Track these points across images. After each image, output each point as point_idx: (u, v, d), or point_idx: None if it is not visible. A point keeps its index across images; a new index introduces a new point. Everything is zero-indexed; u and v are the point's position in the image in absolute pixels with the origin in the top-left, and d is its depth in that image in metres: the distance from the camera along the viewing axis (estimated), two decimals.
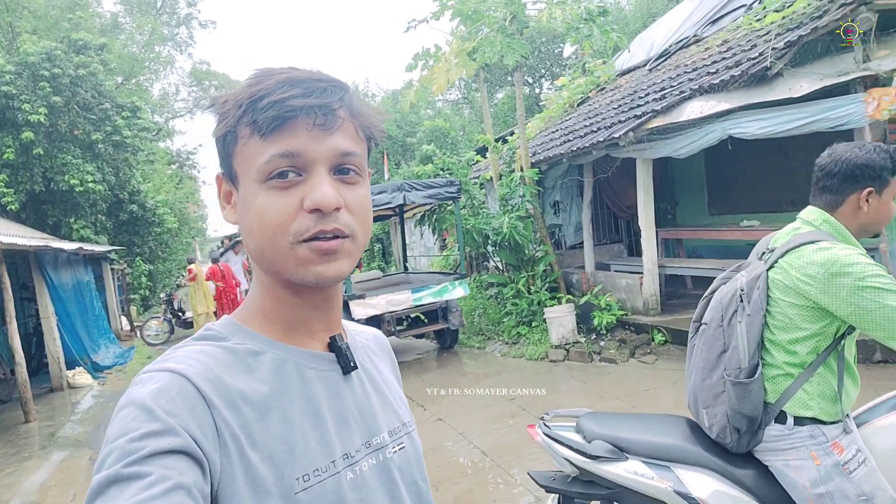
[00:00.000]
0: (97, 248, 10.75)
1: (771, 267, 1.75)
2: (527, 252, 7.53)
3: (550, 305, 6.98)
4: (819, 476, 1.65)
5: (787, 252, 1.71)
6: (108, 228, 13.21)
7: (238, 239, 15.26)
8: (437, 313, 7.32)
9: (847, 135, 5.15)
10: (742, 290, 1.77)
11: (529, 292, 7.37)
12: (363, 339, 0.89)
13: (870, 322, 1.56)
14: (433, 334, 8.06)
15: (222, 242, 17.89)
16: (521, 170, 7.71)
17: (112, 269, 13.01)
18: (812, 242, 1.67)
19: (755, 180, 8.32)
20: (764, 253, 1.85)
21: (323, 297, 0.75)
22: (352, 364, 0.77)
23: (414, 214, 9.90)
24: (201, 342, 0.71)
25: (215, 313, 11.58)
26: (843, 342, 1.69)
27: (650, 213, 6.91)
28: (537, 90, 21.80)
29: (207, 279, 10.96)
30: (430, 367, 7.11)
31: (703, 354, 1.87)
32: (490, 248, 7.94)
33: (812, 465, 1.66)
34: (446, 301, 7.18)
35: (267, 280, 0.73)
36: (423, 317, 7.59)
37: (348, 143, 0.69)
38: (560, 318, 6.71)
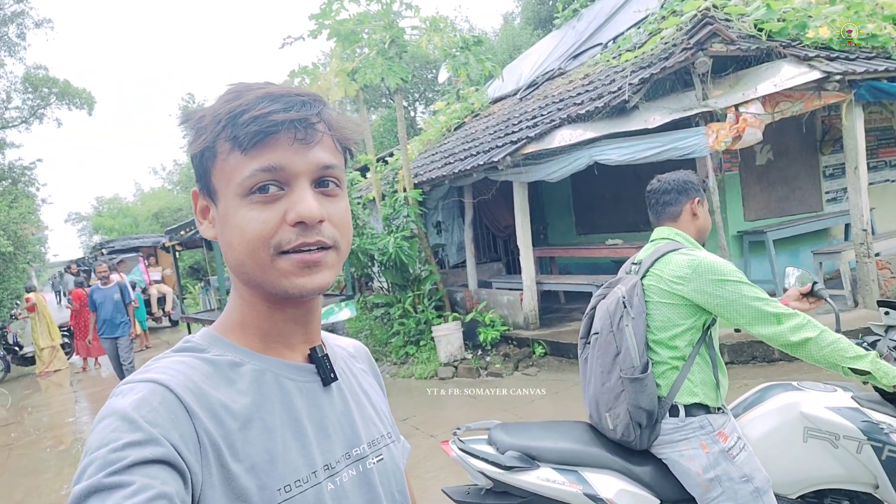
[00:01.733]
0: None
1: (644, 276, 1.99)
2: (412, 272, 7.60)
3: (437, 324, 7.08)
4: (709, 462, 1.85)
5: (655, 261, 1.98)
6: None
7: (121, 258, 13.68)
8: None
9: (691, 163, 5.87)
10: (624, 297, 1.99)
11: (416, 311, 7.43)
12: (344, 351, 0.89)
13: (733, 311, 1.83)
14: None
15: (68, 268, 15.95)
16: (405, 190, 7.80)
17: None
18: (675, 250, 1.96)
19: (615, 202, 9.13)
20: (630, 269, 2.11)
21: (303, 310, 0.75)
22: (331, 375, 0.77)
23: None
24: (181, 353, 0.70)
25: (63, 346, 10.27)
26: (710, 332, 1.96)
27: (527, 233, 7.30)
28: (412, 113, 22.24)
29: (78, 304, 9.75)
30: None
31: (598, 360, 2.04)
32: (375, 269, 7.91)
33: (702, 453, 1.86)
34: (332, 323, 7.02)
35: (247, 293, 0.73)
36: None
37: (328, 156, 0.70)
38: (448, 336, 6.83)
